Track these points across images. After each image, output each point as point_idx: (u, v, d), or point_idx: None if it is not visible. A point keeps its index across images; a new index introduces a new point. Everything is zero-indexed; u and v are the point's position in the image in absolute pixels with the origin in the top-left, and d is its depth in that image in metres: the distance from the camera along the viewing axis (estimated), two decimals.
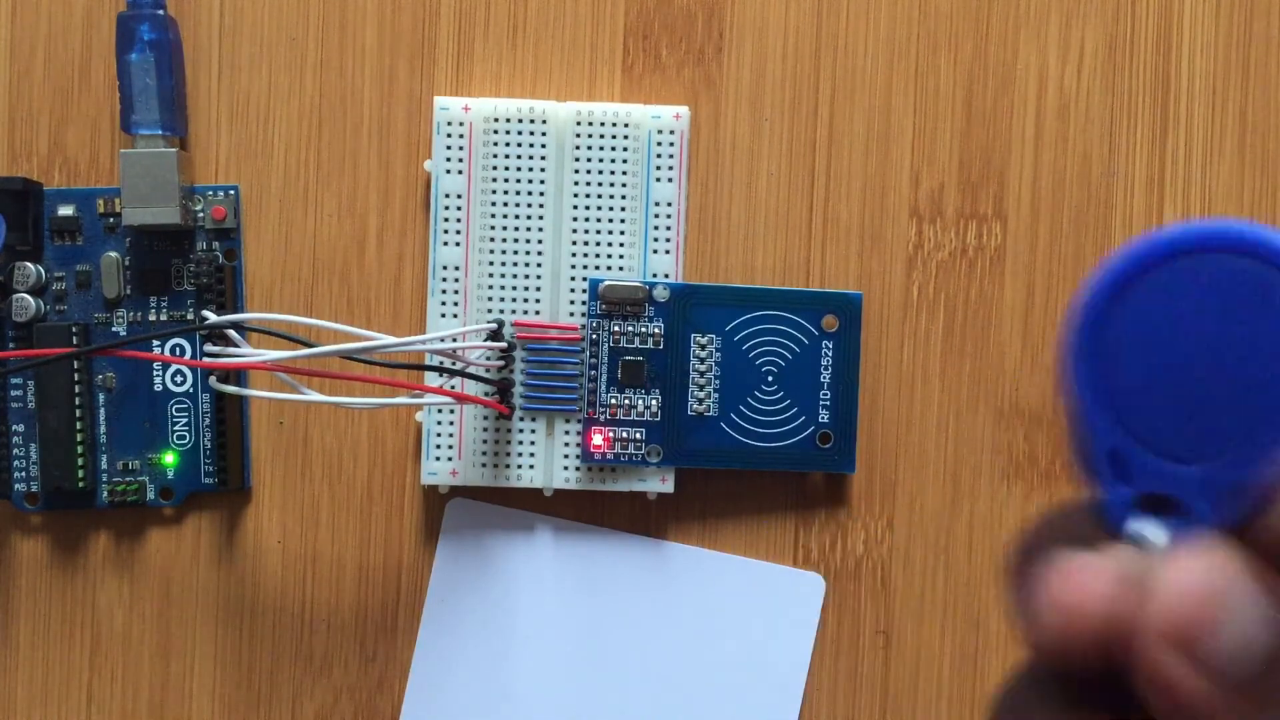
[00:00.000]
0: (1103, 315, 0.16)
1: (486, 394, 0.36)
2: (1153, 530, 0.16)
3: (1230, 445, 0.15)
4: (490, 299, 0.37)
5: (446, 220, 0.37)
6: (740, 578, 0.38)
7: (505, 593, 0.38)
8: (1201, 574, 0.15)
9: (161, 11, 0.37)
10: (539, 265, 0.37)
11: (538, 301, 0.37)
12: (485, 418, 0.37)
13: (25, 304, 0.37)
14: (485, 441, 0.37)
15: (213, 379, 0.36)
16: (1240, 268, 0.15)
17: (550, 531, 0.38)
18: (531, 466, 0.37)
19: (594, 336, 0.37)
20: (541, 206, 0.37)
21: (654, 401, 0.37)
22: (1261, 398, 0.15)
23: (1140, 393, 0.16)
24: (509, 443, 0.37)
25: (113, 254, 0.37)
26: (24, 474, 0.37)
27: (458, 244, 0.37)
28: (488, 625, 0.38)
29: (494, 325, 0.36)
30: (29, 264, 0.37)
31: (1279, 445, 0.15)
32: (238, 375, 0.37)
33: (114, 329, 0.38)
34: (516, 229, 0.37)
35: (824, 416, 0.37)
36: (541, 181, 0.37)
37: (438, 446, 0.37)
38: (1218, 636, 0.15)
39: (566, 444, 0.37)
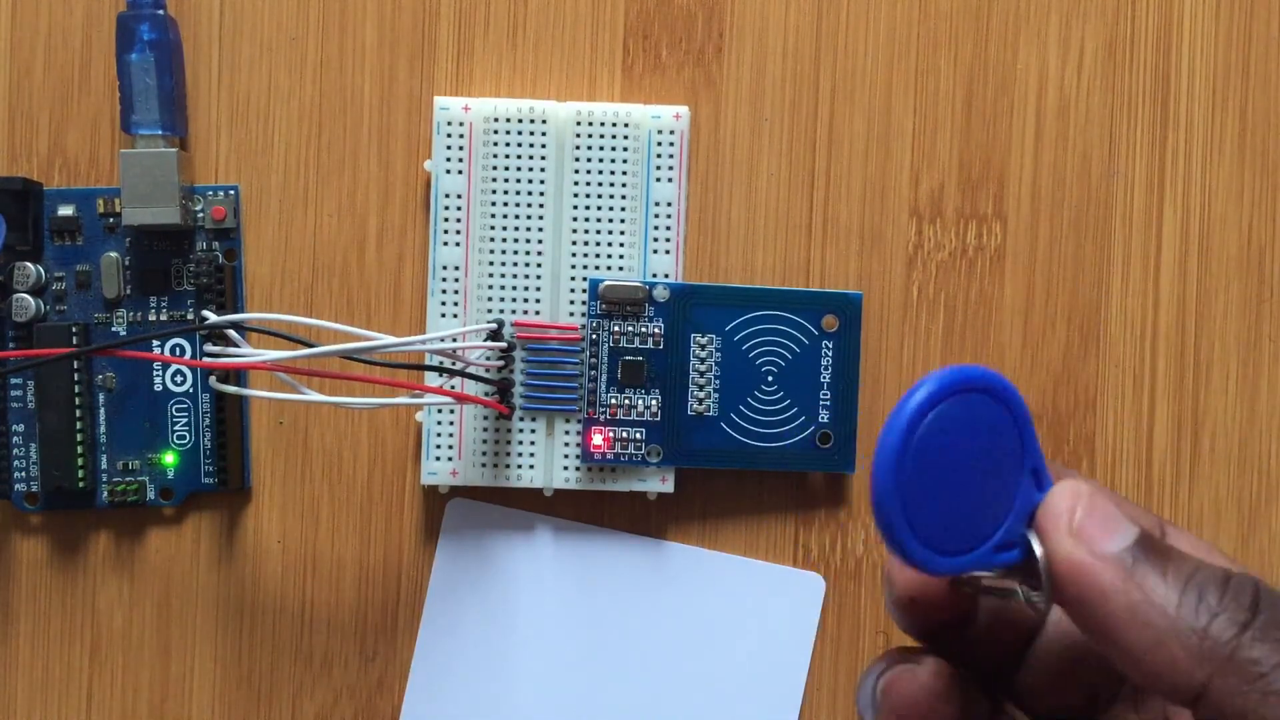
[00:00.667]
0: (895, 486, 0.21)
1: (486, 394, 0.36)
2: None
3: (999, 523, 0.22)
4: (490, 299, 0.37)
5: (446, 220, 0.37)
6: (740, 578, 0.38)
7: (505, 592, 0.38)
8: (1071, 488, 0.21)
9: (161, 11, 0.37)
10: (539, 265, 0.37)
11: (538, 301, 0.37)
12: (485, 418, 0.37)
13: (25, 304, 0.37)
14: (485, 441, 0.37)
15: (213, 379, 0.36)
16: (976, 401, 0.22)
17: (550, 531, 0.38)
18: (531, 466, 0.37)
19: (594, 336, 0.37)
20: (541, 206, 0.37)
21: (654, 401, 0.37)
22: (1002, 487, 0.22)
23: (939, 520, 0.21)
24: (509, 443, 0.37)
25: (113, 254, 0.37)
26: (24, 474, 0.37)
27: (458, 244, 0.37)
28: (488, 625, 0.38)
29: (494, 325, 0.36)
30: (29, 264, 0.37)
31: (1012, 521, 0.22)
32: (238, 375, 0.37)
33: (114, 329, 0.38)
34: (516, 229, 0.37)
35: (824, 416, 0.37)
36: (541, 181, 0.37)
37: (438, 446, 0.37)
38: (1096, 519, 0.21)
39: (566, 444, 0.37)
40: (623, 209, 0.37)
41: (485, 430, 0.37)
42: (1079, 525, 0.21)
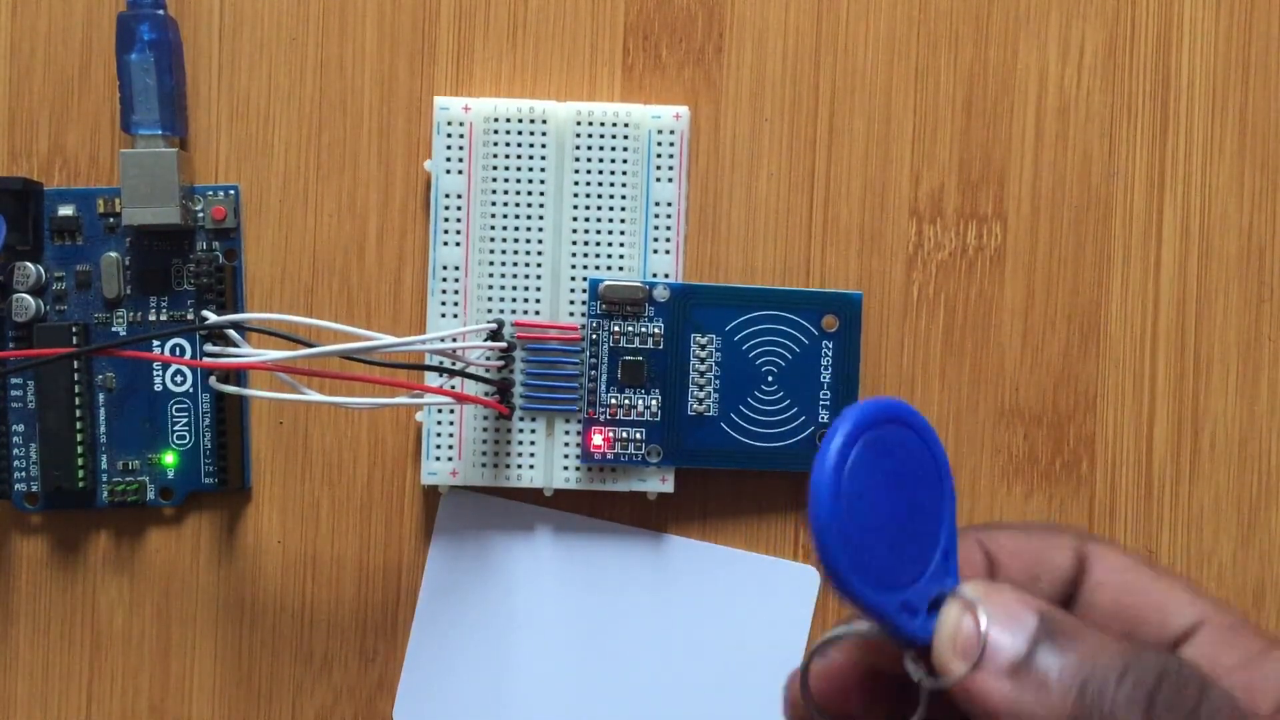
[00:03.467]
0: (833, 506, 0.20)
1: (486, 394, 0.36)
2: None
3: (928, 559, 0.21)
4: (490, 299, 0.37)
5: (446, 220, 0.37)
6: (735, 570, 0.38)
7: (500, 583, 0.38)
8: (959, 605, 0.21)
9: (161, 11, 0.37)
10: (539, 265, 0.37)
11: (538, 301, 0.37)
12: (485, 418, 0.37)
13: (25, 304, 0.37)
14: (485, 441, 0.37)
15: (213, 379, 0.36)
16: (899, 435, 0.21)
17: (545, 523, 0.38)
18: (531, 467, 0.37)
19: (594, 336, 0.37)
20: (541, 206, 0.37)
21: (654, 401, 0.37)
22: (930, 524, 0.22)
23: (877, 553, 0.21)
24: (509, 443, 0.37)
25: (113, 254, 0.37)
26: (24, 474, 0.37)
27: (458, 244, 0.37)
28: (483, 615, 0.38)
29: (494, 325, 0.36)
30: (29, 264, 0.37)
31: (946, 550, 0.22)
32: (238, 375, 0.37)
33: (114, 329, 0.38)
34: (516, 229, 0.37)
35: (824, 416, 0.37)
36: (541, 181, 0.37)
37: (438, 446, 0.37)
38: (996, 611, 0.21)
39: (566, 444, 0.37)
40: (623, 209, 0.37)
41: (485, 430, 0.37)
42: (965, 641, 0.21)
